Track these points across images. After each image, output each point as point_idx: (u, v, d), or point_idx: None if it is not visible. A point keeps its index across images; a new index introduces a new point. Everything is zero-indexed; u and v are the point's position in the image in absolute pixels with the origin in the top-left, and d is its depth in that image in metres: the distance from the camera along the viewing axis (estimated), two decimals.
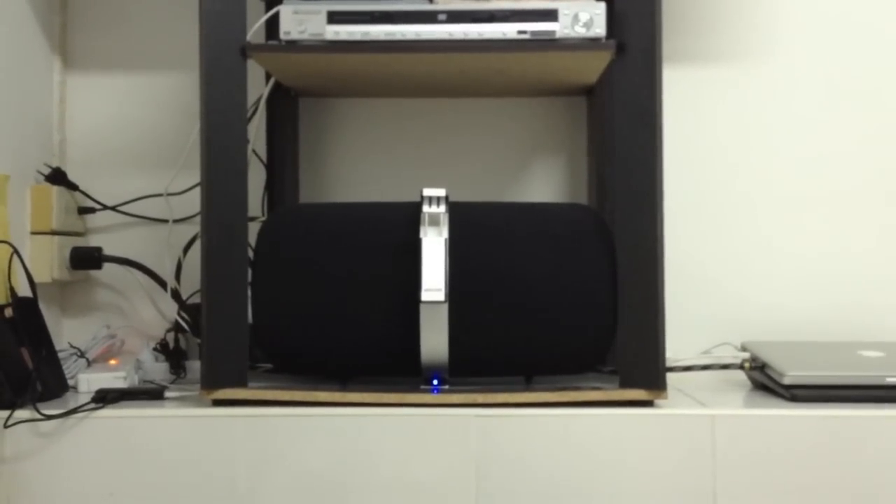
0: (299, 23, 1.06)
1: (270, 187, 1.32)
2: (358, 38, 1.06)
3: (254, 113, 1.24)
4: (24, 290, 1.12)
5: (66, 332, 1.35)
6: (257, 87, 1.23)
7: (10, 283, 1.11)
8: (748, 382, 1.20)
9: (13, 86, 1.23)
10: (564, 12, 1.05)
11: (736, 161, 1.36)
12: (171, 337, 1.30)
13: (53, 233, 1.26)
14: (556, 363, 1.08)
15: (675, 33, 1.35)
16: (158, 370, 1.26)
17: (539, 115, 1.37)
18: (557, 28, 1.06)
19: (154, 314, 1.33)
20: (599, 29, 1.05)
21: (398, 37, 1.06)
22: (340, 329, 1.05)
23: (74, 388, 1.15)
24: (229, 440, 1.00)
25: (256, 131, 1.26)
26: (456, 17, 1.06)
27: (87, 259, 1.31)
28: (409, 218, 1.05)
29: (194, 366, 1.25)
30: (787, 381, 1.06)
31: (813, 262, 1.35)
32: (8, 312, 1.07)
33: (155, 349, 1.30)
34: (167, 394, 1.10)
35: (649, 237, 1.01)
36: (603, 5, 1.05)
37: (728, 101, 1.36)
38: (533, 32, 1.06)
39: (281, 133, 1.32)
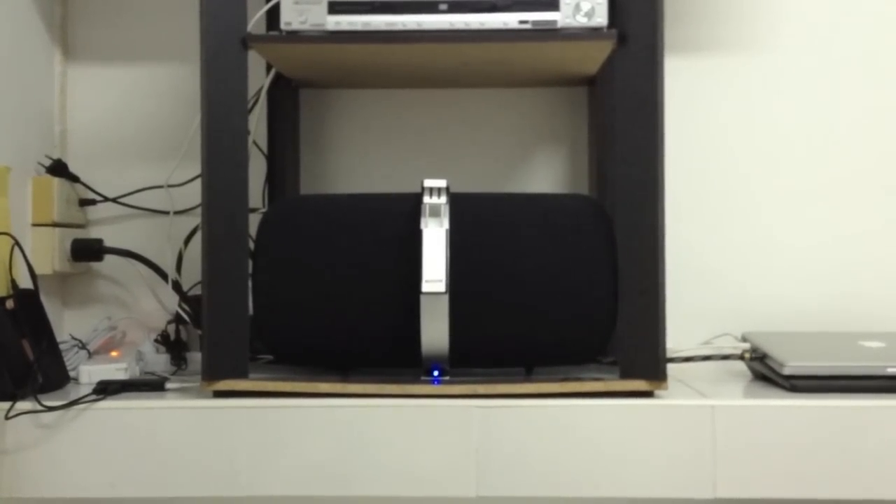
0: (300, 13, 1.06)
1: (271, 178, 1.32)
2: (359, 28, 1.06)
3: (254, 104, 1.24)
4: (25, 282, 1.12)
5: (67, 323, 1.35)
6: (258, 77, 1.23)
7: (11, 274, 1.11)
8: (748, 373, 1.20)
9: (13, 77, 1.23)
10: (566, 2, 1.05)
11: (737, 151, 1.36)
12: (172, 328, 1.30)
13: (54, 224, 1.26)
14: (556, 354, 1.08)
15: (677, 22, 1.35)
16: (159, 362, 1.26)
17: (540, 106, 1.37)
18: (559, 18, 1.06)
19: (155, 306, 1.33)
20: (601, 19, 1.05)
21: (399, 27, 1.06)
22: (341, 320, 1.05)
23: (75, 379, 1.15)
24: (230, 431, 1.00)
25: (257, 122, 1.26)
26: (457, 6, 1.06)
27: (88, 251, 1.31)
28: (409, 209, 1.05)
29: (195, 357, 1.25)
30: (787, 371, 1.06)
31: (814, 253, 1.35)
32: (9, 304, 1.07)
33: (156, 341, 1.30)
34: (168, 385, 1.10)
35: (650, 227, 1.01)
36: None
37: (729, 92, 1.36)
38: (534, 22, 1.06)
39: (282, 124, 1.32)
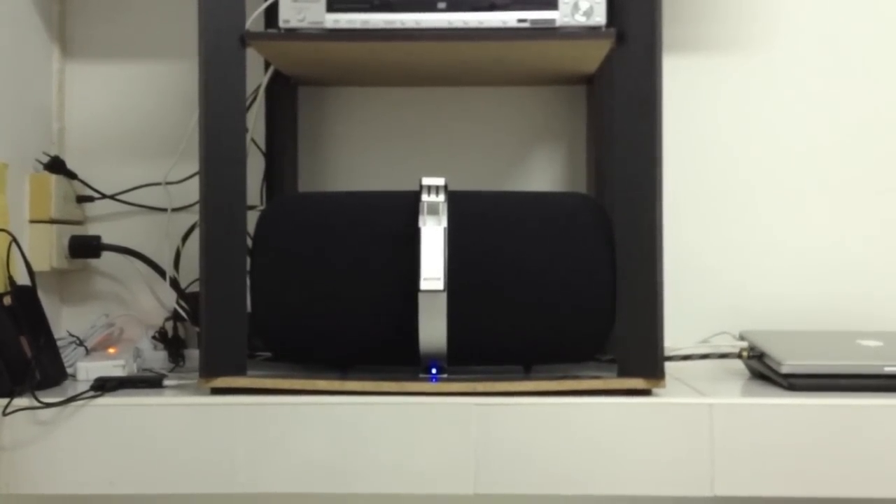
0: (298, 11, 1.06)
1: (269, 176, 1.32)
2: (357, 26, 1.06)
3: (253, 101, 1.24)
4: (22, 279, 1.12)
5: (64, 320, 1.35)
6: (256, 75, 1.23)
7: (9, 271, 1.11)
8: (746, 371, 1.20)
9: (12, 74, 1.23)
10: (565, 1, 1.05)
11: (736, 150, 1.36)
12: (169, 325, 1.30)
13: (52, 221, 1.26)
14: (554, 352, 1.08)
15: (676, 21, 1.35)
16: (157, 358, 1.26)
17: (539, 104, 1.37)
18: (557, 17, 1.06)
19: (153, 303, 1.33)
20: (599, 17, 1.05)
21: (398, 25, 1.06)
22: (339, 318, 1.05)
23: (73, 376, 1.15)
24: (228, 428, 1.00)
25: (255, 120, 1.26)
26: (456, 5, 1.06)
27: (85, 248, 1.31)
28: (408, 207, 1.05)
29: (193, 354, 1.25)
30: (784, 369, 1.06)
31: (812, 252, 1.35)
32: (7, 301, 1.07)
33: (154, 338, 1.30)
34: (166, 382, 1.10)
35: (648, 226, 1.01)
36: None
37: (728, 91, 1.36)
38: (533, 21, 1.06)
39: (280, 122, 1.32)
